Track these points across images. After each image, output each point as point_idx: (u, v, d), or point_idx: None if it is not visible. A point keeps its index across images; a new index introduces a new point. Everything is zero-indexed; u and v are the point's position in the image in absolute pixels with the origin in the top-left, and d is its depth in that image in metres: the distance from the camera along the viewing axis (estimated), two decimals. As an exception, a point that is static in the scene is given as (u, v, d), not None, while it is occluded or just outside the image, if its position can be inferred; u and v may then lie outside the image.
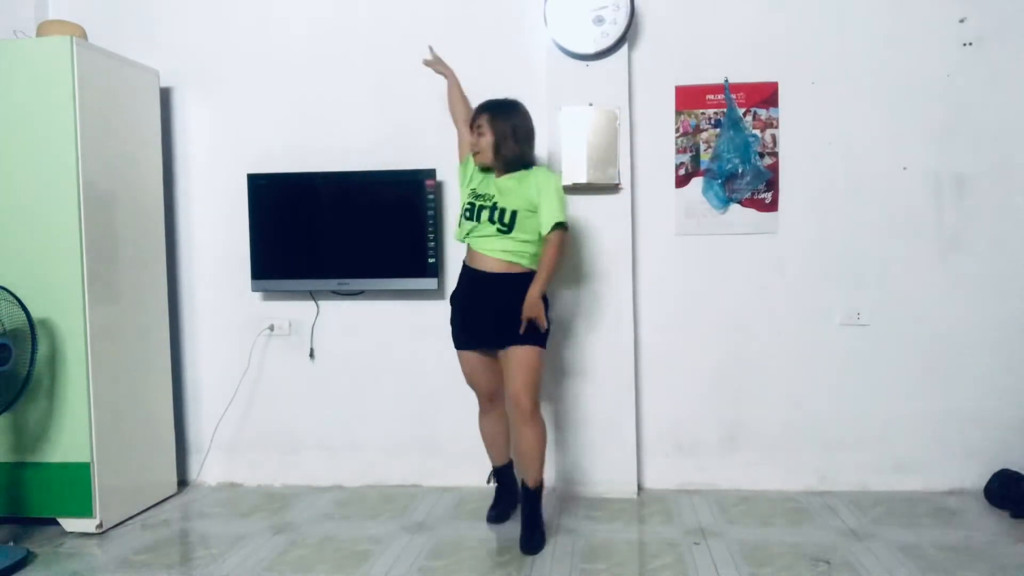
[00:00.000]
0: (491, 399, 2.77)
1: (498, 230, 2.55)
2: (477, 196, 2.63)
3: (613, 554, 2.54)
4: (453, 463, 3.23)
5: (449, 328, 2.75)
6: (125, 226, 2.97)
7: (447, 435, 3.27)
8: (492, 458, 2.86)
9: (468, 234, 2.63)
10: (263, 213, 3.24)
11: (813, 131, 3.10)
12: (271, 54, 3.31)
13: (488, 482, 2.92)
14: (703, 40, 3.13)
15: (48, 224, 2.72)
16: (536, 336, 2.57)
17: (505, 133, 2.60)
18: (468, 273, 2.66)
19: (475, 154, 2.65)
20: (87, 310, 2.73)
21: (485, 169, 2.68)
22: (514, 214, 2.54)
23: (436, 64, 2.94)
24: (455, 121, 2.90)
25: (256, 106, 3.33)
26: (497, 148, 2.61)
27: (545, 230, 2.54)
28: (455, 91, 2.91)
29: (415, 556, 2.55)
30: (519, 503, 2.71)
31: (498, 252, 2.56)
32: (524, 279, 2.56)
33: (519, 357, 2.55)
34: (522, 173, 2.63)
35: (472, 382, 2.76)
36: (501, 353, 2.62)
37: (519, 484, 2.69)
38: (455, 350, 2.74)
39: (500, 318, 2.56)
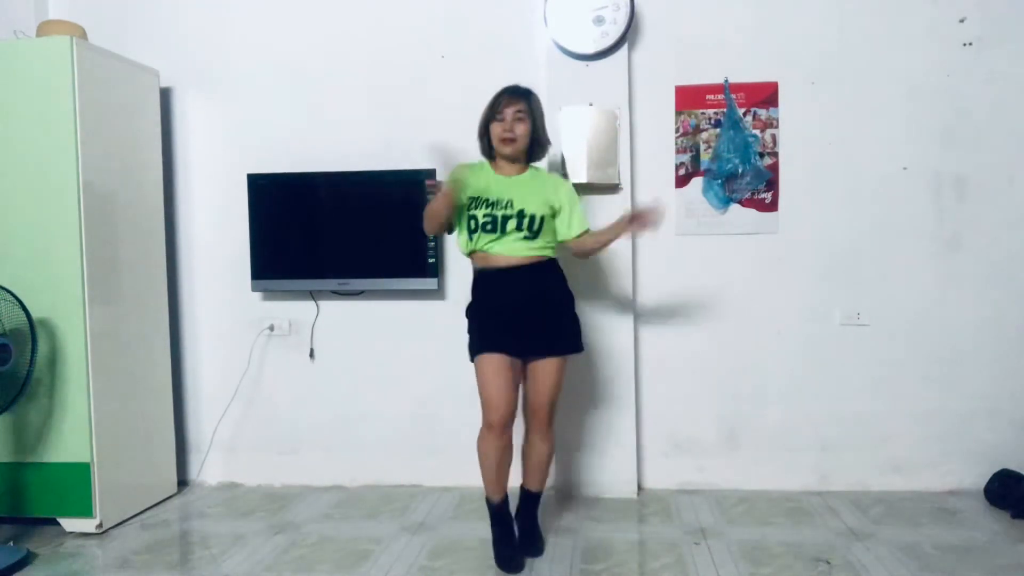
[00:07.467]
0: (507, 420, 2.44)
1: (524, 238, 2.44)
2: (492, 204, 2.44)
3: (613, 554, 2.54)
4: (453, 463, 3.22)
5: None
6: (125, 226, 2.97)
7: (447, 435, 3.27)
8: (494, 490, 2.50)
9: (485, 244, 2.47)
10: (263, 213, 3.24)
11: (813, 131, 3.10)
12: (271, 53, 3.31)
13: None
14: (703, 40, 3.13)
15: (48, 224, 2.71)
16: (573, 342, 2.53)
17: (540, 122, 2.52)
18: (490, 271, 2.50)
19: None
20: (87, 310, 2.72)
21: (479, 169, 2.53)
22: (542, 220, 2.45)
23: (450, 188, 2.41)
24: (441, 219, 2.48)
25: (256, 106, 3.33)
26: (536, 137, 2.50)
27: (575, 234, 2.52)
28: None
29: (415, 556, 2.55)
30: (518, 517, 2.62)
31: (522, 251, 2.46)
32: (554, 267, 2.53)
33: (551, 368, 2.48)
34: (532, 172, 2.56)
35: (495, 395, 2.42)
36: (529, 363, 2.50)
37: (520, 490, 2.63)
38: (476, 358, 2.45)
39: (540, 312, 2.46)
